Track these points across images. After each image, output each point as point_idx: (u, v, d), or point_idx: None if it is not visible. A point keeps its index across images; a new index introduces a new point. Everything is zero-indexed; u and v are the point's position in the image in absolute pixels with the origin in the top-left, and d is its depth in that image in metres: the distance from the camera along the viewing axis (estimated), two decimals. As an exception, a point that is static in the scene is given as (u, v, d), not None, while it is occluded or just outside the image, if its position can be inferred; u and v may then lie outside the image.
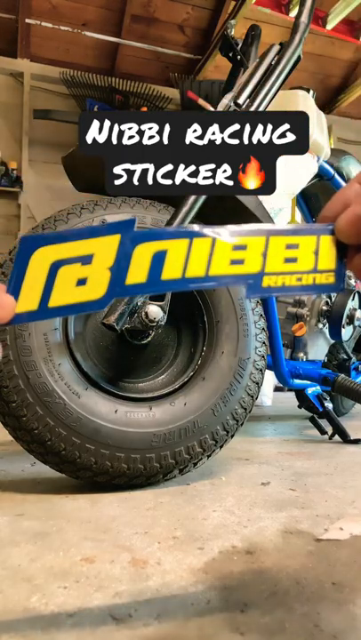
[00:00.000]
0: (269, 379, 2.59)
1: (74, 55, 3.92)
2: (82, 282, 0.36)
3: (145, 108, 3.87)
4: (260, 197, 1.22)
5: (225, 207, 1.13)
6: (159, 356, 1.13)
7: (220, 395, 1.03)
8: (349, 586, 0.59)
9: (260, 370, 1.09)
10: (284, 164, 1.32)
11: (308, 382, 1.60)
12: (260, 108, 1.15)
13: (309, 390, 1.62)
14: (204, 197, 1.04)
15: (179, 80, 3.96)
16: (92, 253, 0.36)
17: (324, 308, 1.62)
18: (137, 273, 0.35)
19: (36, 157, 4.15)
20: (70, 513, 0.84)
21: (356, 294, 1.66)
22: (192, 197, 1.03)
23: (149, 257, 0.36)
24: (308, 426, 1.83)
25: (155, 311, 0.99)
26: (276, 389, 3.00)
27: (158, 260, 0.36)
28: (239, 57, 1.29)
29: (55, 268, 0.36)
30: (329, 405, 1.58)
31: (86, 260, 0.36)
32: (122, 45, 3.84)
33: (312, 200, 1.97)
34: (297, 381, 1.58)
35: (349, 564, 0.65)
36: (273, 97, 1.17)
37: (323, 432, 1.61)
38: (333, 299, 1.65)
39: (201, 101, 3.65)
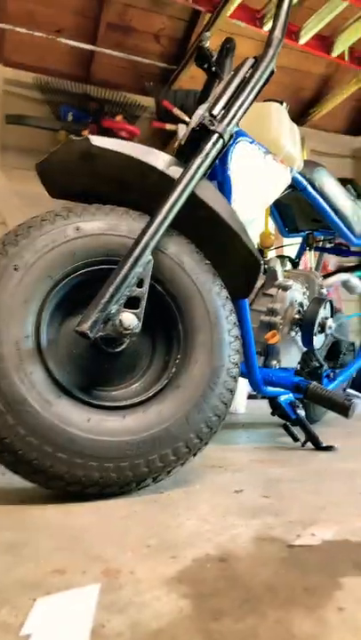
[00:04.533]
0: (243, 386, 2.61)
1: (49, 61, 3.90)
2: None
3: (120, 116, 3.86)
4: (234, 207, 1.23)
5: (199, 216, 1.14)
6: (133, 364, 1.13)
7: (194, 403, 1.03)
8: (321, 591, 0.60)
9: (234, 378, 1.10)
10: (257, 174, 1.34)
11: (281, 390, 1.62)
12: (235, 120, 1.17)
13: (282, 398, 1.64)
14: (178, 206, 1.05)
15: (154, 89, 3.97)
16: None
17: (297, 316, 1.64)
18: None
19: (8, 163, 4.11)
20: (42, 523, 0.82)
21: (328, 303, 1.69)
22: (167, 206, 1.04)
23: None
24: (281, 433, 1.84)
25: (129, 319, 0.99)
26: (250, 397, 3.02)
27: None
28: (214, 69, 1.31)
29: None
30: (301, 413, 1.60)
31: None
32: (97, 53, 3.84)
33: (285, 210, 2.01)
34: (270, 389, 1.60)
35: (321, 570, 0.66)
36: (247, 109, 1.19)
37: (295, 439, 1.63)
38: (306, 307, 1.68)
39: (176, 111, 3.68)
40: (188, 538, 0.77)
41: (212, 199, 1.13)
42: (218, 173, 1.29)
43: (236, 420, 2.47)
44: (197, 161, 1.10)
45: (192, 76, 3.82)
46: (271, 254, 2.18)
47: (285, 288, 1.62)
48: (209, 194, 1.13)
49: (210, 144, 1.13)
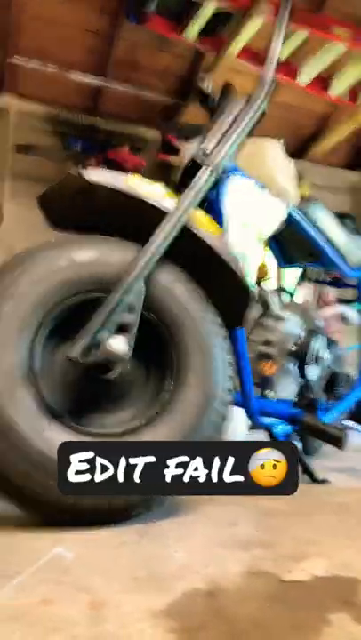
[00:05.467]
0: (243, 417, 2.59)
1: (58, 93, 4.01)
2: None
3: (126, 148, 3.96)
4: (229, 240, 1.26)
5: (192, 247, 1.16)
6: (127, 391, 1.12)
7: (187, 429, 1.03)
8: (308, 628, 0.59)
9: (226, 404, 1.10)
10: (252, 208, 1.38)
11: (277, 421, 1.61)
12: (226, 155, 1.22)
13: (278, 429, 1.63)
14: (171, 237, 1.08)
15: (160, 123, 4.08)
16: None
17: (292, 348, 1.65)
18: None
19: (18, 191, 4.18)
20: (30, 554, 0.82)
21: (323, 335, 1.70)
22: (159, 237, 1.06)
23: None
24: (277, 465, 1.82)
25: (119, 345, 1.00)
26: (252, 428, 2.99)
27: None
28: (213, 108, 1.36)
29: None
30: (298, 445, 1.59)
31: None
32: (105, 87, 3.96)
33: (282, 244, 2.04)
34: (266, 420, 1.59)
35: (309, 606, 0.65)
36: (239, 145, 1.24)
37: (291, 472, 1.61)
38: (301, 339, 1.68)
39: (181, 144, 3.77)
40: (178, 570, 0.76)
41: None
42: (213, 207, 1.32)
43: (234, 450, 2.44)
44: (190, 194, 1.13)
45: (198, 112, 3.93)
46: (269, 286, 2.20)
47: (281, 319, 1.63)
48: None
49: (201, 178, 1.17)
